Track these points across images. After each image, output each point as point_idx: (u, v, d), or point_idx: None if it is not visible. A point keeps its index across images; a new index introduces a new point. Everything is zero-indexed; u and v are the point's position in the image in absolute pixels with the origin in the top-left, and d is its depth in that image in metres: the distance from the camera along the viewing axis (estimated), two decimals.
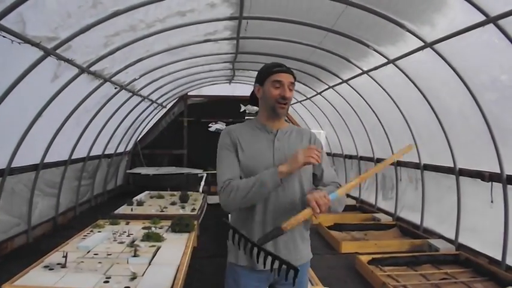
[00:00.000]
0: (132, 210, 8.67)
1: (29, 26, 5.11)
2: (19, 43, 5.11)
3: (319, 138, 3.02)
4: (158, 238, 6.13)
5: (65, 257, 4.85)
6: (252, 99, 2.96)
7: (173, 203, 9.78)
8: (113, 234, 6.40)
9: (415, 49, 6.64)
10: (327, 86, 11.37)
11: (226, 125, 15.90)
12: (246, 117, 15.33)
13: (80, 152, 10.01)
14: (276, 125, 2.83)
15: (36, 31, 5.32)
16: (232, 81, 15.18)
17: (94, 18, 5.79)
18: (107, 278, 4.49)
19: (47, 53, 5.83)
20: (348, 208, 10.20)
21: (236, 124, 2.93)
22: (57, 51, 5.99)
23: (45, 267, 4.76)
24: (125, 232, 6.53)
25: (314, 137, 2.95)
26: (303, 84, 12.26)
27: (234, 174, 2.67)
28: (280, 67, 2.77)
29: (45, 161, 8.15)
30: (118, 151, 13.62)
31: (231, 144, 2.76)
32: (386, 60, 7.65)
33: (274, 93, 2.70)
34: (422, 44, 6.37)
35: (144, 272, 4.68)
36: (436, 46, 6.22)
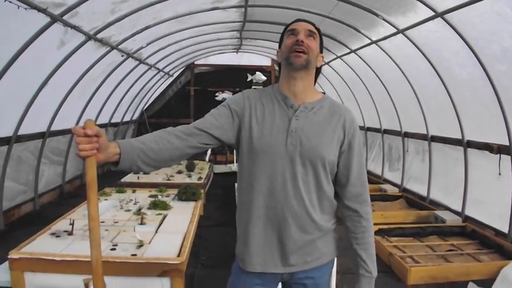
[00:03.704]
0: (138, 178, 8.68)
1: None
2: (25, 9, 5.04)
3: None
4: (165, 206, 6.13)
5: (72, 224, 4.85)
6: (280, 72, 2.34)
7: (180, 172, 9.78)
8: (120, 202, 6.39)
9: (426, 19, 6.51)
10: (335, 56, 11.27)
11: (233, 94, 15.89)
12: (252, 87, 15.28)
13: None
14: (301, 96, 2.20)
15: None
16: (240, 50, 15.13)
17: None
18: (113, 245, 4.50)
19: (54, 19, 5.77)
20: None
21: (257, 90, 2.36)
22: (64, 17, 5.93)
23: (52, 234, 4.77)
24: (132, 200, 6.53)
25: (350, 119, 2.24)
26: None
27: (200, 126, 2.15)
28: (297, 19, 2.27)
29: (52, 129, 8.16)
30: (124, 120, 13.66)
31: (237, 111, 2.22)
32: (395, 30, 7.53)
33: (289, 42, 2.16)
34: (433, 13, 6.25)
35: (151, 240, 4.68)
36: (447, 16, 6.10)
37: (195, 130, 2.14)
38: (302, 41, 2.13)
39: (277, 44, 2.35)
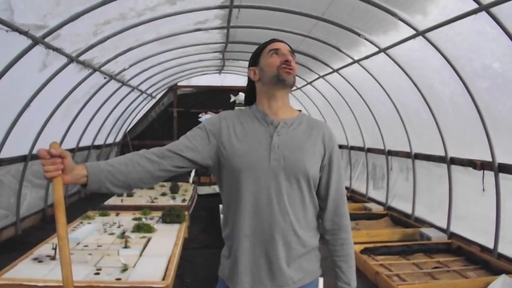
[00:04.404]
0: (122, 201, 8.62)
1: (17, 13, 5.01)
2: (7, 31, 5.01)
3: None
4: (149, 229, 6.09)
5: (55, 249, 4.78)
6: (249, 90, 2.38)
7: (163, 194, 9.74)
8: (103, 225, 6.34)
9: (407, 37, 6.58)
10: (317, 76, 11.34)
11: None
12: (236, 108, 15.26)
13: (69, 143, 9.92)
14: (280, 113, 2.23)
15: (24, 19, 5.22)
16: (222, 71, 15.16)
17: (83, 6, 5.68)
18: (97, 269, 4.44)
19: (36, 42, 5.73)
20: None
21: (233, 111, 2.37)
22: (46, 39, 5.88)
23: (34, 259, 4.70)
24: (115, 223, 6.48)
25: (329, 133, 2.29)
26: None
27: (172, 149, 2.18)
28: (273, 39, 2.31)
29: (34, 152, 8.06)
30: (107, 142, 13.56)
31: (213, 132, 2.22)
32: (377, 49, 7.60)
33: (274, 61, 2.18)
34: (414, 32, 6.32)
35: (135, 264, 4.63)
36: (428, 34, 6.17)
37: (168, 152, 2.16)
38: (291, 61, 2.18)
39: None
